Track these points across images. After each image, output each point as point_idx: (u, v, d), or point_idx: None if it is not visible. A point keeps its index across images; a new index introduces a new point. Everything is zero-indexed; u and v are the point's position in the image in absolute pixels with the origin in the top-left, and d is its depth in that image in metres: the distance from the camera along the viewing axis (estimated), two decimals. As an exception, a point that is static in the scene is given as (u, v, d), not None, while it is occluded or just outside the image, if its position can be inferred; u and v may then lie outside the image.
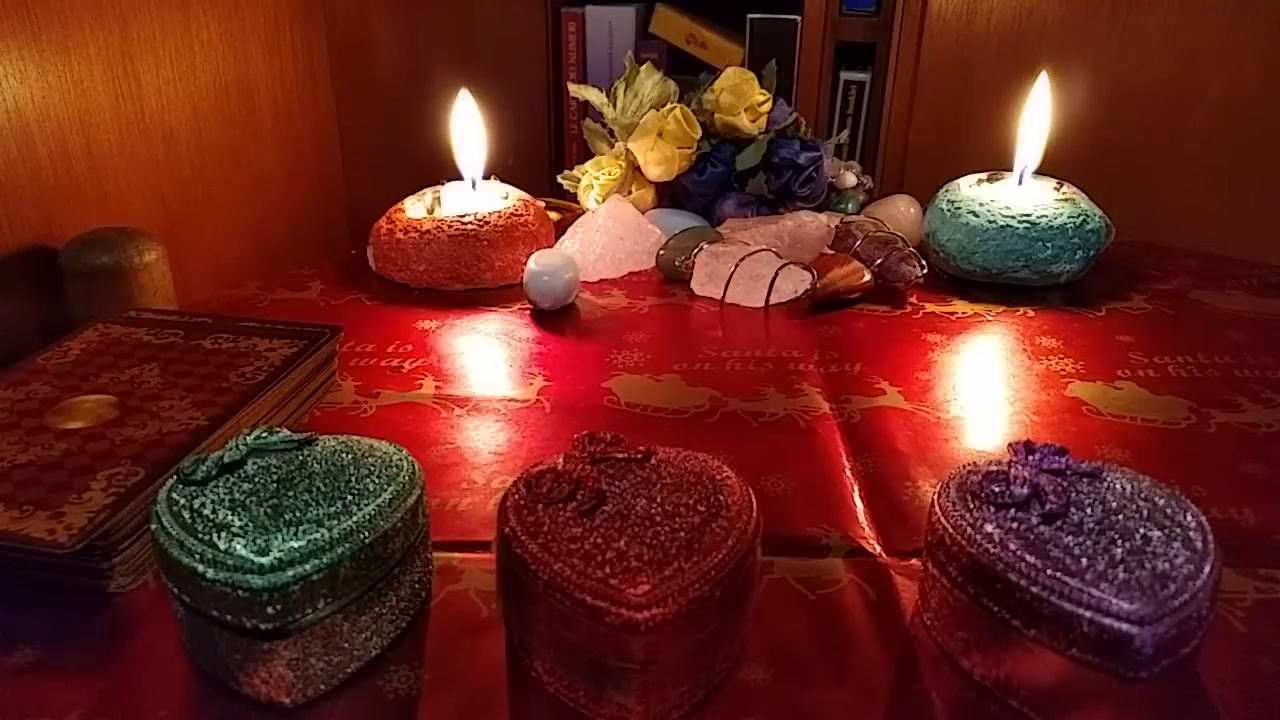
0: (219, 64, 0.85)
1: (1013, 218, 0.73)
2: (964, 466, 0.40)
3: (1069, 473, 0.38)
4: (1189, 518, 0.36)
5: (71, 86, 0.68)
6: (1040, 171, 0.78)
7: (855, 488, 0.51)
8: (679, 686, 0.36)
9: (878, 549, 0.46)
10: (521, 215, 0.78)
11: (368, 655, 0.38)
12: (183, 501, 0.37)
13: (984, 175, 0.79)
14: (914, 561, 0.45)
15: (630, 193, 0.87)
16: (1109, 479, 0.38)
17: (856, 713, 0.37)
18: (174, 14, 0.78)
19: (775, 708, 0.37)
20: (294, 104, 0.97)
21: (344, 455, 0.40)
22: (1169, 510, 0.36)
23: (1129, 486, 0.38)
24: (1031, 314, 0.72)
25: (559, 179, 0.92)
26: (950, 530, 0.37)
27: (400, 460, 0.41)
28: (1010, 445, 0.39)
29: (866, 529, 0.47)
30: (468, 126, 0.79)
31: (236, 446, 0.39)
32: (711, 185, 0.86)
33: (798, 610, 0.42)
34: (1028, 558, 0.34)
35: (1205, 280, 0.78)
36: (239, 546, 0.34)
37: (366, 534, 0.37)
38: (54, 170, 0.68)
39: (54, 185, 0.68)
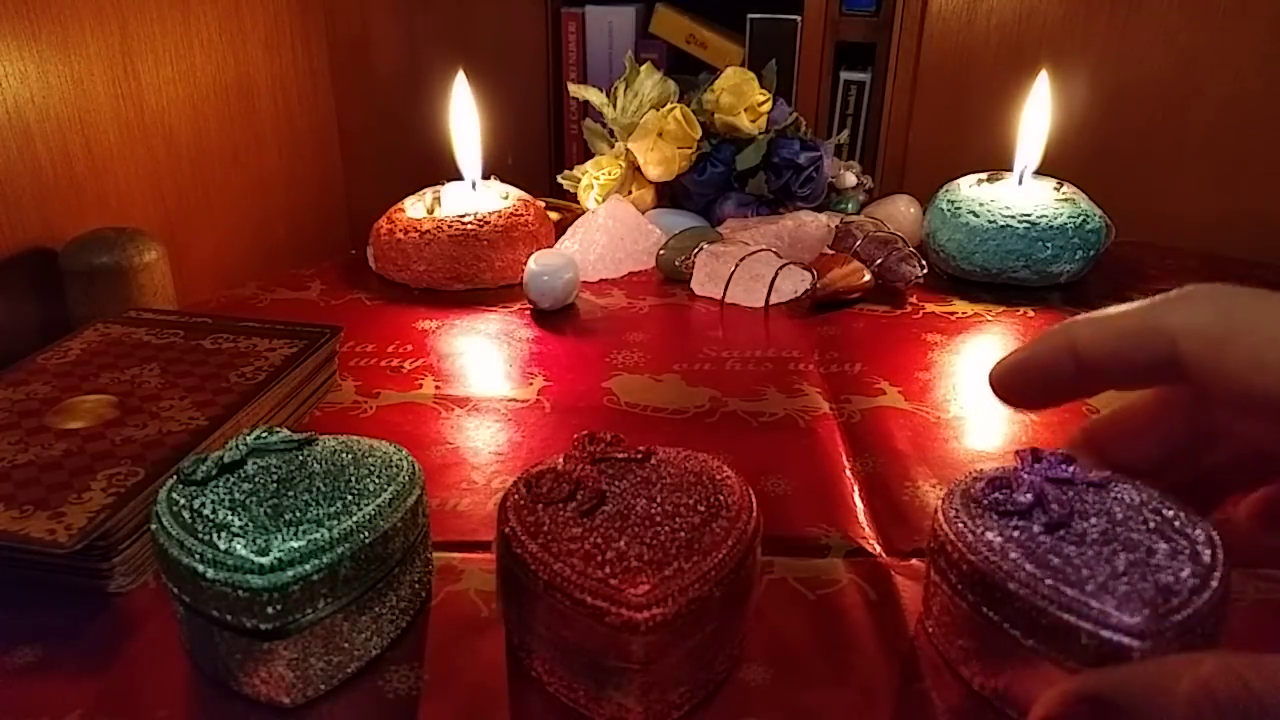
0: (219, 64, 0.85)
1: (1013, 218, 0.73)
2: (969, 473, 0.40)
3: (1076, 482, 0.38)
4: (1198, 531, 0.36)
5: (71, 86, 0.68)
6: (1040, 171, 0.78)
7: (855, 488, 0.51)
8: (679, 686, 0.36)
9: (878, 549, 0.46)
10: (521, 215, 0.78)
11: (368, 655, 0.38)
12: (183, 501, 0.37)
13: (984, 175, 0.79)
14: (914, 561, 0.45)
15: (630, 193, 0.87)
16: (1116, 489, 0.38)
17: (856, 713, 0.37)
18: (174, 14, 0.78)
19: (775, 708, 0.37)
20: (294, 104, 0.97)
21: (344, 455, 0.40)
22: (1177, 523, 0.36)
23: (1137, 497, 0.37)
24: (1031, 314, 0.72)
25: (559, 179, 0.92)
26: (951, 537, 0.37)
27: (400, 460, 0.41)
28: (1017, 452, 0.39)
29: (866, 529, 0.47)
30: (464, 108, 0.79)
31: (236, 446, 0.39)
32: (711, 185, 0.87)
33: (798, 610, 0.42)
34: (1027, 566, 0.34)
35: (1205, 280, 0.78)
36: (239, 546, 0.34)
37: (366, 534, 0.37)
38: (54, 170, 0.68)
39: (54, 185, 0.68)
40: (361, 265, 0.82)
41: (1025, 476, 0.37)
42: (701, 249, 0.76)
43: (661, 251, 0.80)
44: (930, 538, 0.39)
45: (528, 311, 0.73)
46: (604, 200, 0.84)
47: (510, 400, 0.60)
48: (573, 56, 1.10)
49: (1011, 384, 0.36)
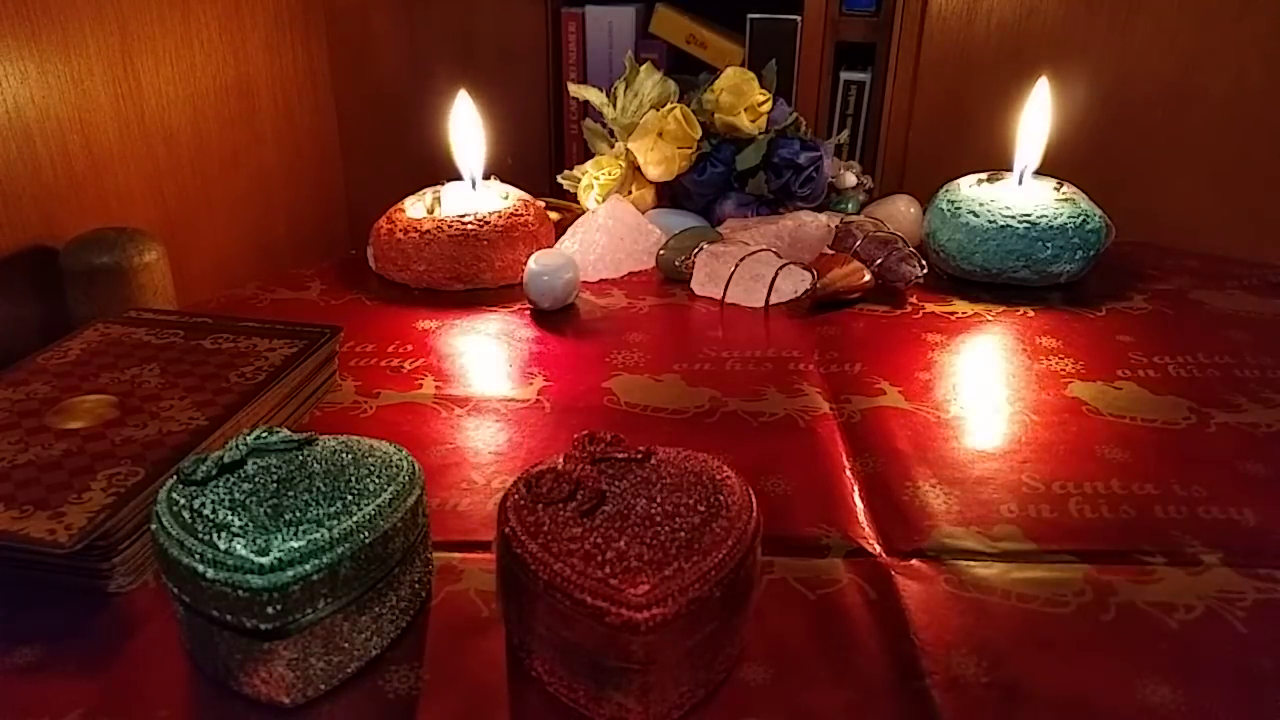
0: (219, 64, 0.85)
1: (1013, 218, 0.73)
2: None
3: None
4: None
5: (71, 86, 0.68)
6: (1040, 171, 0.78)
7: (855, 488, 0.51)
8: (679, 686, 0.36)
9: (878, 549, 0.46)
10: (521, 215, 0.78)
11: (368, 655, 0.38)
12: (183, 501, 0.37)
13: (984, 175, 0.79)
14: (914, 562, 0.45)
15: (630, 193, 0.87)
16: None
17: (856, 713, 0.37)
18: (174, 14, 0.78)
19: (775, 708, 0.37)
20: (294, 104, 0.97)
21: (344, 455, 0.40)
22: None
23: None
24: (1031, 314, 0.72)
25: (559, 179, 0.92)
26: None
27: (400, 460, 0.41)
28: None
29: (866, 529, 0.47)
30: (467, 127, 0.79)
31: (236, 446, 0.39)
32: (711, 185, 0.86)
33: (798, 610, 0.42)
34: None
35: (1205, 280, 0.78)
36: (239, 546, 0.34)
37: (366, 534, 0.37)
38: (54, 170, 0.68)
39: (54, 185, 0.68)
40: (361, 265, 0.82)
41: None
42: (701, 249, 0.76)
43: (661, 251, 0.80)
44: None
45: (528, 311, 0.73)
46: (604, 200, 0.84)
47: (510, 400, 0.60)
48: (573, 56, 1.10)
49: None
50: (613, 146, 0.89)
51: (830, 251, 0.78)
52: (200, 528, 0.35)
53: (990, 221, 0.74)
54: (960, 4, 0.99)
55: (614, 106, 0.87)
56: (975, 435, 0.56)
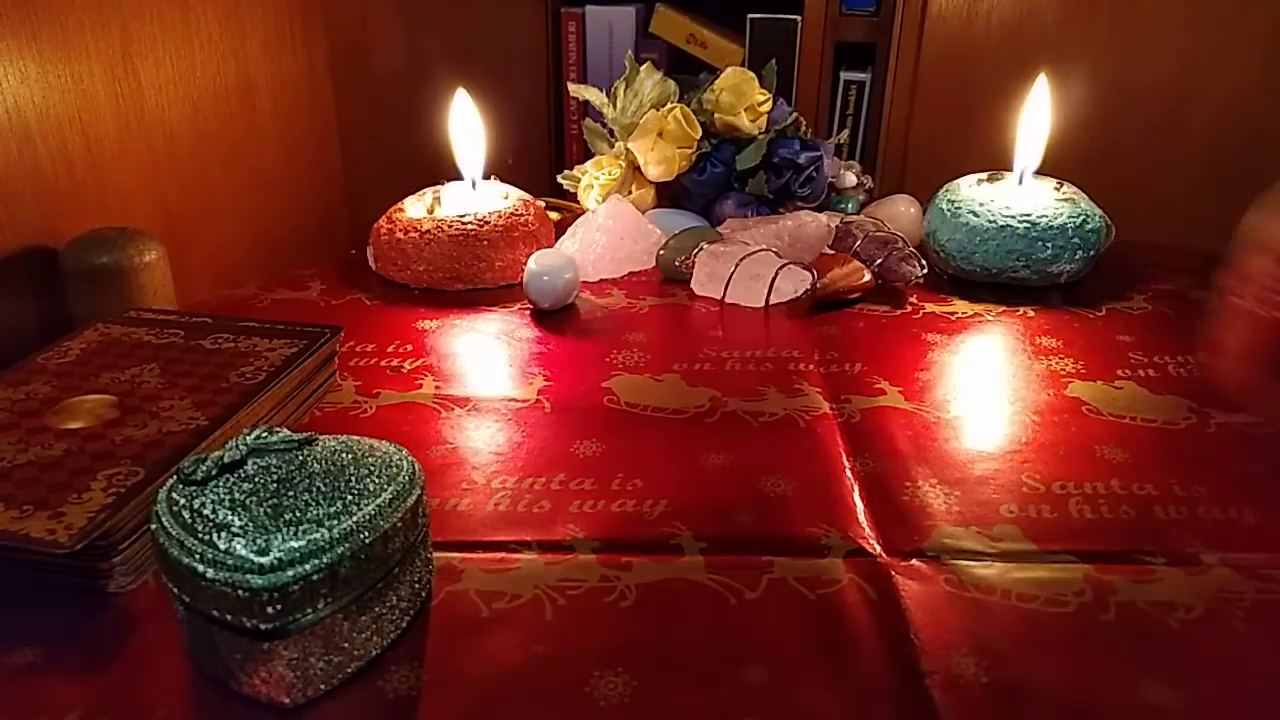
0: (219, 64, 0.85)
1: (1013, 218, 0.73)
2: None
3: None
4: None
5: (71, 86, 0.68)
6: (1040, 171, 0.78)
7: (855, 488, 0.51)
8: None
9: (878, 549, 0.46)
10: (521, 215, 0.78)
11: (368, 655, 0.38)
12: (183, 501, 0.37)
13: (984, 175, 0.79)
14: (914, 562, 0.45)
15: (630, 193, 0.87)
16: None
17: (856, 713, 0.37)
18: (174, 14, 0.78)
19: (775, 708, 0.37)
20: (294, 104, 0.97)
21: (344, 455, 0.40)
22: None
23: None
24: (1031, 314, 0.72)
25: (559, 179, 0.92)
26: None
27: (400, 460, 0.41)
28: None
29: (866, 529, 0.47)
30: (466, 127, 0.79)
31: (236, 446, 0.39)
32: (711, 185, 0.86)
33: (798, 610, 0.42)
34: None
35: (1205, 280, 0.78)
36: (239, 546, 0.34)
37: (366, 534, 0.37)
38: (54, 170, 0.68)
39: (54, 185, 0.68)
40: (361, 265, 0.82)
41: None
42: (701, 249, 0.76)
43: (661, 251, 0.80)
44: None
45: (528, 311, 0.73)
46: (604, 200, 0.84)
47: (510, 400, 0.60)
48: (573, 56, 1.10)
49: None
50: (613, 146, 0.89)
51: (830, 251, 0.78)
52: (200, 528, 0.35)
53: (990, 221, 0.74)
54: (960, 4, 0.99)
55: (614, 106, 0.87)
56: (975, 435, 0.56)
